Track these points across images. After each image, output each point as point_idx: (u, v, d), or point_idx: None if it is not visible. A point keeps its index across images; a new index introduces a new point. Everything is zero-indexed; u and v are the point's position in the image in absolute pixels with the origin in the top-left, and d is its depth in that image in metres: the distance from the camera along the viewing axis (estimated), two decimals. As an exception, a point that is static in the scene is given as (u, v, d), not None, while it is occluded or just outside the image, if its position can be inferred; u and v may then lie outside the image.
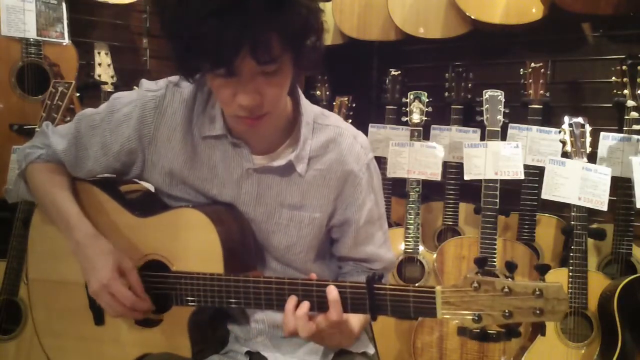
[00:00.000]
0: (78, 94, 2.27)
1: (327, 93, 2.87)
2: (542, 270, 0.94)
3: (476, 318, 0.92)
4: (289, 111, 1.17)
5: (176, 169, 1.18)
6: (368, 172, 1.21)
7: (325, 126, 1.19)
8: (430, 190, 2.53)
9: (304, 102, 1.18)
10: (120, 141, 1.18)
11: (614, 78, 2.09)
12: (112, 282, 1.09)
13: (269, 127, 1.13)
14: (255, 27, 0.89)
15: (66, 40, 2.33)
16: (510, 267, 0.95)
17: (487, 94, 2.28)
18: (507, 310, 0.90)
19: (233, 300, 1.08)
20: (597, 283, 1.94)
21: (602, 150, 2.11)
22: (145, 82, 1.20)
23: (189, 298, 1.11)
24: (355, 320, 1.09)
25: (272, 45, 0.92)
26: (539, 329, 0.94)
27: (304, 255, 1.22)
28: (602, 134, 2.11)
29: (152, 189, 1.30)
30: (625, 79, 2.04)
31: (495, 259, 2.16)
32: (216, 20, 0.87)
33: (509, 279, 0.92)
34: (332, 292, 1.00)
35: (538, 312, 0.89)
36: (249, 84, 0.97)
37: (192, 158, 1.17)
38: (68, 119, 2.02)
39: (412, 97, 2.47)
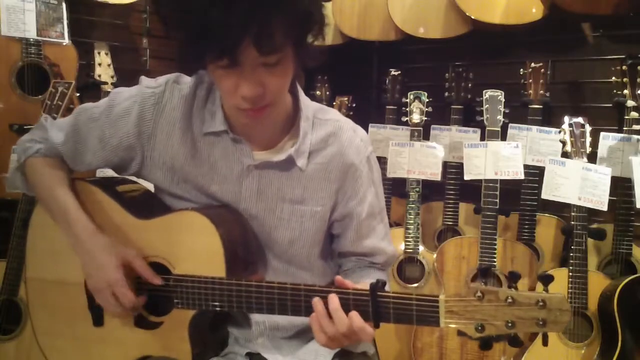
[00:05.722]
0: (78, 94, 2.27)
1: (327, 93, 2.87)
2: (545, 280, 0.95)
3: (479, 327, 0.92)
4: (288, 106, 1.18)
5: (177, 165, 1.18)
6: (368, 165, 1.22)
7: (325, 120, 1.20)
8: (430, 190, 2.53)
9: (303, 97, 1.19)
10: (118, 135, 1.18)
11: (614, 78, 2.09)
12: (117, 282, 1.10)
13: (270, 121, 1.13)
14: (259, 16, 0.89)
15: (66, 40, 2.33)
16: (514, 277, 0.95)
17: (487, 94, 2.28)
18: (510, 321, 0.91)
19: (235, 305, 1.08)
20: (597, 283, 1.94)
21: (602, 150, 2.11)
22: (145, 79, 1.21)
23: (190, 302, 1.11)
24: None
25: (275, 36, 0.93)
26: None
27: (307, 250, 1.22)
28: (602, 134, 2.11)
29: (152, 188, 1.29)
30: (625, 79, 2.05)
31: (495, 259, 2.16)
32: (220, 8, 0.88)
33: (512, 289, 0.92)
34: (333, 300, 1.00)
35: (541, 322, 0.90)
36: (251, 74, 0.97)
37: (192, 155, 1.17)
38: (68, 119, 2.02)
39: (412, 97, 2.47)
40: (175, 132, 1.16)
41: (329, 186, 1.19)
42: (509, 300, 0.91)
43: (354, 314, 0.98)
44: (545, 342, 0.95)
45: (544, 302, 0.89)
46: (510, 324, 0.91)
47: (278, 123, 1.17)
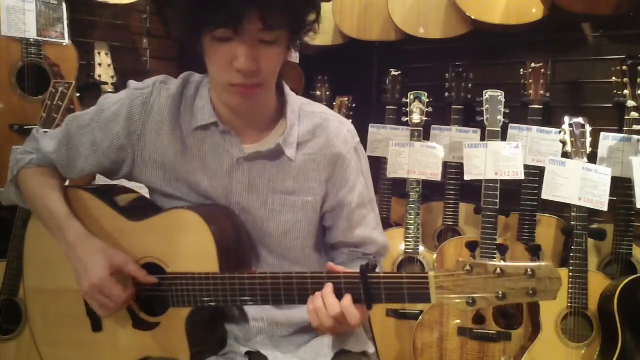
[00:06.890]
0: (78, 94, 2.27)
1: (327, 93, 2.87)
2: (533, 250, 0.96)
3: (470, 301, 0.93)
4: (274, 100, 1.21)
5: (167, 163, 1.19)
6: (356, 155, 1.25)
7: (311, 112, 1.23)
8: (430, 190, 2.53)
9: (288, 91, 1.22)
10: (109, 138, 1.20)
11: (614, 78, 2.09)
12: (103, 281, 1.09)
13: (258, 107, 1.16)
14: None
15: (66, 40, 2.33)
16: (501, 249, 0.96)
17: (487, 94, 2.28)
18: (500, 292, 0.92)
19: (229, 299, 1.08)
20: (597, 283, 1.94)
21: (602, 150, 2.11)
22: (132, 83, 1.24)
23: (185, 299, 1.11)
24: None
25: (278, 12, 0.98)
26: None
27: (301, 242, 1.23)
28: (602, 134, 2.11)
29: (144, 192, 1.30)
30: (625, 79, 2.05)
31: (495, 259, 2.16)
32: None
33: (501, 261, 0.93)
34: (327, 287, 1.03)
35: (531, 292, 0.91)
36: (248, 47, 1.01)
37: (182, 151, 1.19)
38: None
39: (412, 97, 2.47)
40: (164, 130, 1.18)
41: (318, 176, 1.21)
42: (498, 271, 0.92)
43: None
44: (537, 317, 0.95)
45: (533, 272, 0.90)
46: (500, 295, 0.92)
47: (265, 116, 1.20)
